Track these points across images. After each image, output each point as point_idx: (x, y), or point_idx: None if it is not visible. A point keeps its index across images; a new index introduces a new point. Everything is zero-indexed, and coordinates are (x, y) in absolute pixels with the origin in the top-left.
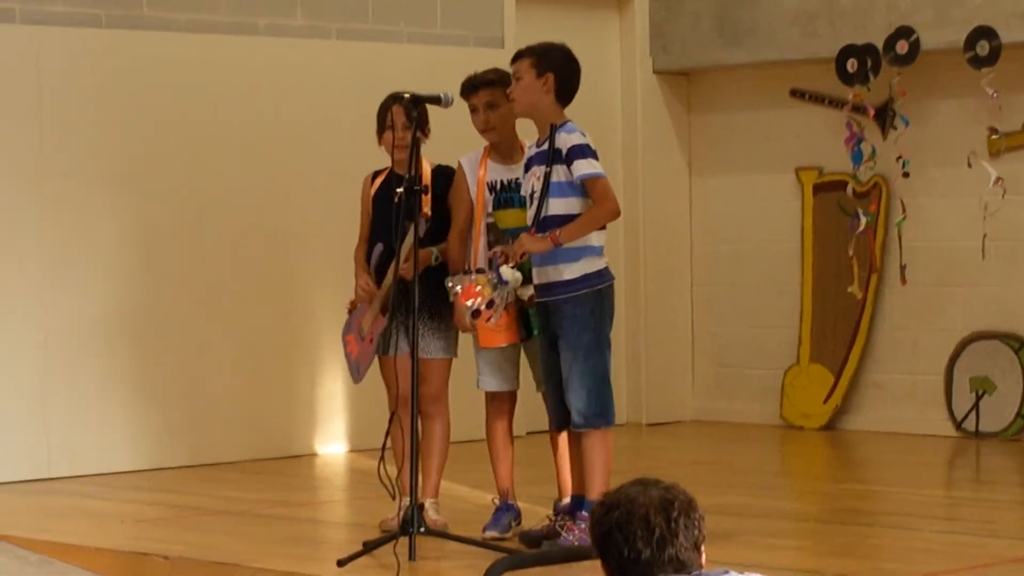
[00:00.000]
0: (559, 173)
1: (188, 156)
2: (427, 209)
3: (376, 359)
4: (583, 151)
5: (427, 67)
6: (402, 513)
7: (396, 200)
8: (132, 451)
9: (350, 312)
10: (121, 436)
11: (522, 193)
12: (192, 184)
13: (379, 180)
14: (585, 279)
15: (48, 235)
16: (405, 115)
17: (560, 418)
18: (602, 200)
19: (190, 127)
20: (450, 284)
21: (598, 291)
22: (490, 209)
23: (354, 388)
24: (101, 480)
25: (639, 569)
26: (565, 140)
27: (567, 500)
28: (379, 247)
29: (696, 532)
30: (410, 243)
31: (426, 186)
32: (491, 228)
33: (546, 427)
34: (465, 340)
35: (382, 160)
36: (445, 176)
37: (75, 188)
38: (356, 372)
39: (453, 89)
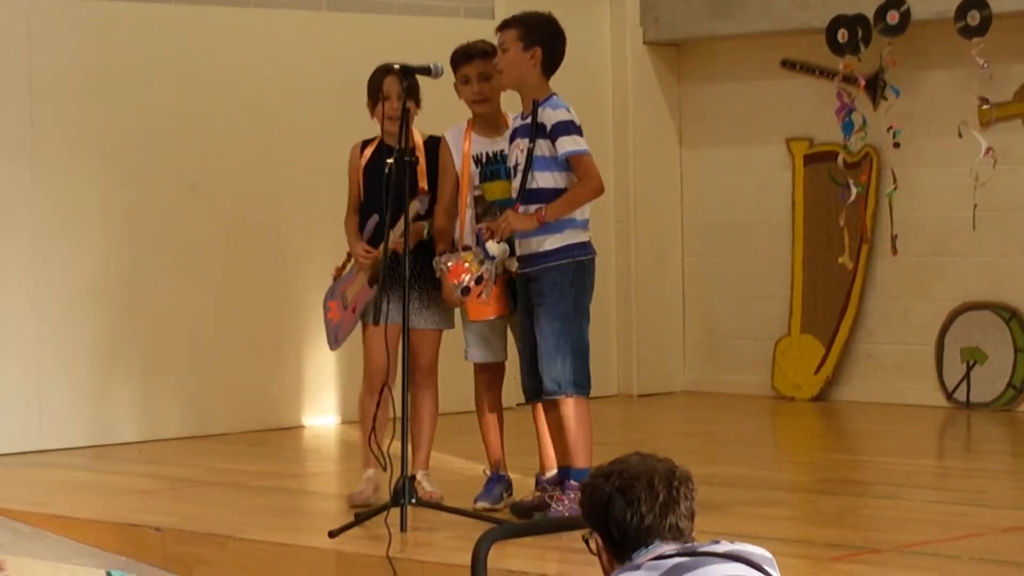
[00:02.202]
0: (542, 148)
1: (178, 128)
2: (424, 183)
3: (360, 328)
4: (567, 127)
5: (417, 38)
6: (393, 484)
7: (387, 171)
8: (123, 423)
9: (335, 279)
10: (112, 408)
11: (508, 164)
12: (182, 156)
13: (369, 150)
14: (566, 250)
15: (40, 207)
16: (399, 87)
17: (531, 389)
18: (586, 178)
19: (181, 98)
20: (438, 262)
21: (579, 263)
22: (477, 182)
23: (345, 360)
24: (92, 452)
25: (640, 534)
26: (549, 116)
27: (550, 474)
28: (374, 218)
29: (692, 503)
30: (409, 216)
31: (417, 157)
32: (478, 200)
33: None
34: (458, 312)
35: (372, 130)
36: (438, 146)
37: (66, 159)
38: (334, 339)
39: (443, 60)
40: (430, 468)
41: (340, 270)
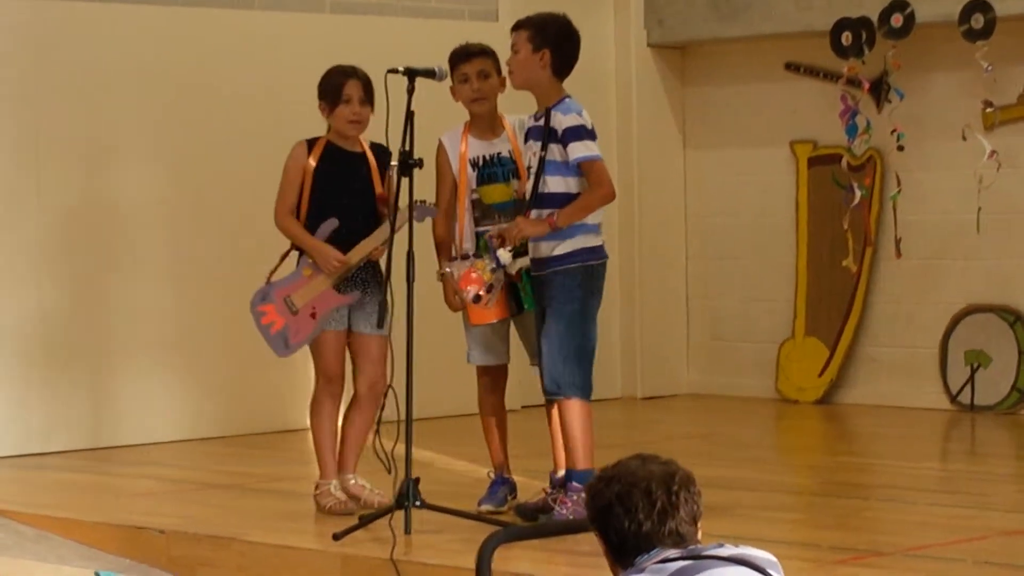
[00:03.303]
0: (554, 152)
1: (180, 131)
2: (381, 188)
3: (315, 334)
4: (578, 133)
5: (421, 40)
6: (397, 487)
7: (390, 173)
8: (127, 426)
9: (268, 282)
10: (115, 411)
11: (524, 165)
12: (184, 158)
13: (317, 152)
14: (577, 254)
15: (44, 208)
16: (362, 90)
17: None
18: (597, 183)
19: (184, 101)
20: (447, 270)
21: (589, 267)
22: (474, 185)
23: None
24: (96, 455)
25: (639, 541)
26: (560, 120)
27: (561, 472)
28: (333, 222)
29: (694, 507)
30: (403, 223)
31: (420, 159)
32: (476, 204)
33: (541, 401)
34: (453, 314)
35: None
36: (384, 153)
37: (69, 161)
38: (283, 345)
39: (446, 62)
40: (427, 470)
41: (273, 272)
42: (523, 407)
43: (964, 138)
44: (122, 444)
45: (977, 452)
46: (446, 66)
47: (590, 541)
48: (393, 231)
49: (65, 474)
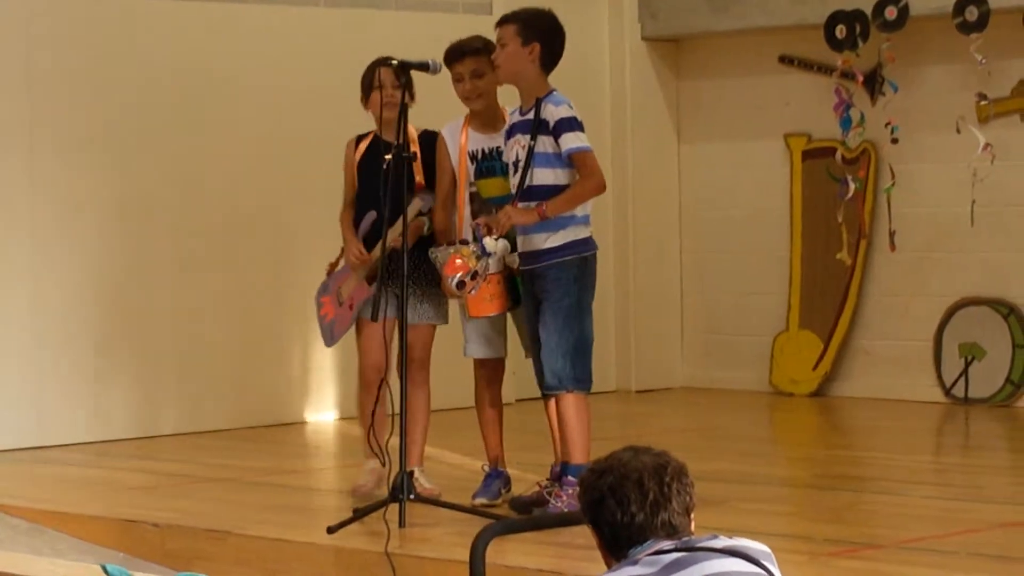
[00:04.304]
0: (544, 144)
1: (177, 124)
2: (420, 178)
3: (353, 325)
4: (570, 124)
5: (415, 33)
6: (391, 480)
7: (385, 166)
8: (122, 419)
9: (329, 274)
10: (111, 404)
11: (504, 160)
12: (182, 151)
13: (363, 145)
14: (571, 246)
15: (39, 204)
16: (394, 75)
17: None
18: (589, 174)
19: (178, 94)
20: (434, 255)
21: (583, 258)
22: (472, 178)
23: (344, 356)
24: (91, 448)
25: (632, 533)
26: (552, 112)
27: None
28: (371, 214)
29: (687, 498)
30: (409, 213)
31: (415, 152)
32: (474, 197)
33: (535, 394)
34: (453, 308)
35: (370, 126)
36: (432, 141)
37: (65, 154)
38: (330, 336)
39: (441, 55)
40: (426, 464)
41: (334, 265)
42: (517, 400)
43: (958, 131)
44: (118, 438)
45: (971, 445)
46: (440, 59)
47: (585, 534)
48: (406, 222)
49: (61, 468)
